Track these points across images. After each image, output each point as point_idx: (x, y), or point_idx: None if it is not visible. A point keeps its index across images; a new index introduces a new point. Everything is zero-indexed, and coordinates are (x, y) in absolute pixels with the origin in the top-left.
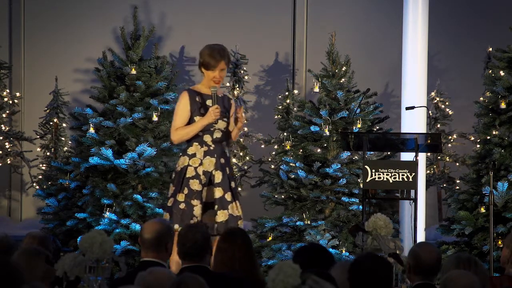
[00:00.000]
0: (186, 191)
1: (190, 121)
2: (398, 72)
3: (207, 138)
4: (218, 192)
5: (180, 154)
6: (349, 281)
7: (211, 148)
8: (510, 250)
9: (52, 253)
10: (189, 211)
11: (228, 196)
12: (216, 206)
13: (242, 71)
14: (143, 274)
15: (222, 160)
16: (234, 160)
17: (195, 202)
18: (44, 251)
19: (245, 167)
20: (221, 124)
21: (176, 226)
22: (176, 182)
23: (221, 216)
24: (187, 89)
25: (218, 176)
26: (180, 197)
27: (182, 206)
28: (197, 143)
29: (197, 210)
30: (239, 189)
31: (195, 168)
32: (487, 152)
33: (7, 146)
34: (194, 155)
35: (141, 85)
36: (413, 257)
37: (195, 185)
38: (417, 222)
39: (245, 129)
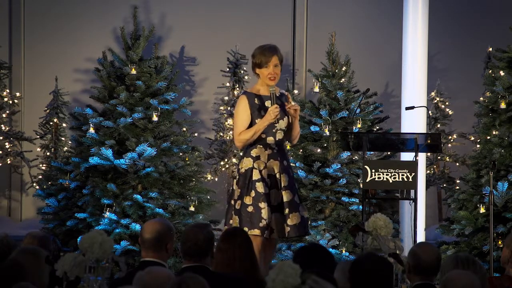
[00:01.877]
0: (253, 193)
1: (252, 124)
2: (398, 72)
3: (271, 140)
4: (287, 195)
5: (242, 155)
6: (349, 281)
7: (275, 150)
8: (510, 250)
9: (52, 253)
10: (257, 214)
11: (297, 199)
12: (287, 210)
13: (242, 71)
14: (141, 273)
15: (285, 163)
16: (234, 160)
17: (262, 204)
18: (43, 251)
19: None
20: (282, 124)
21: (246, 229)
22: (242, 184)
23: (294, 218)
24: (244, 92)
25: (284, 179)
26: (248, 200)
27: (250, 209)
28: (261, 146)
29: (265, 213)
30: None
31: (260, 171)
32: (487, 152)
33: (7, 146)
34: (258, 157)
35: (141, 85)
36: (413, 257)
37: (261, 187)
38: (417, 222)
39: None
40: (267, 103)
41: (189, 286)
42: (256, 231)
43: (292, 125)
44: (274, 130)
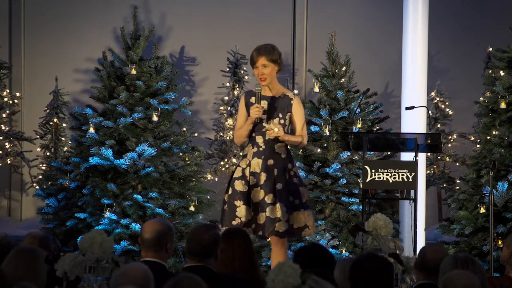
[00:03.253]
0: (230, 191)
1: None
2: (398, 72)
3: (259, 139)
4: (261, 194)
5: None
6: (349, 281)
7: (261, 149)
8: (510, 251)
9: (52, 253)
10: (231, 212)
11: (268, 198)
12: (258, 209)
13: (242, 71)
14: (115, 274)
15: (271, 162)
16: (234, 160)
17: (238, 202)
18: (40, 250)
19: None
20: (273, 125)
21: (220, 226)
22: (227, 183)
23: (261, 218)
24: (246, 91)
25: (262, 178)
26: (226, 197)
27: (225, 207)
28: (250, 144)
29: (241, 211)
30: None
31: (243, 169)
32: (487, 152)
33: (7, 146)
34: (246, 155)
35: (141, 85)
36: (420, 254)
37: (240, 186)
38: (417, 222)
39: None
40: (262, 102)
41: (183, 286)
42: None
43: (294, 127)
44: (263, 130)
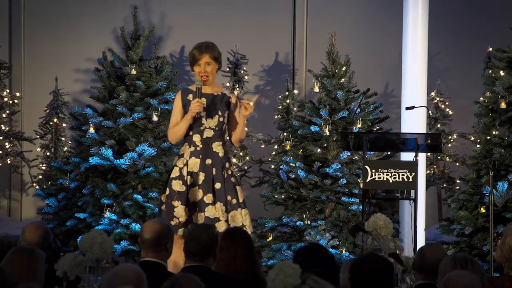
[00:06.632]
0: (167, 192)
1: None
2: (398, 72)
3: (196, 137)
4: (199, 194)
5: None
6: (350, 281)
7: (198, 148)
8: (504, 255)
9: (51, 246)
10: (169, 212)
11: (207, 198)
12: (196, 209)
13: (242, 71)
14: (107, 275)
15: (209, 161)
16: (234, 160)
17: (176, 203)
18: (38, 250)
19: (245, 167)
20: (211, 123)
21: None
22: (165, 183)
23: (199, 218)
24: (182, 89)
25: (201, 178)
26: (163, 198)
27: (163, 207)
28: (187, 143)
29: (179, 211)
30: None
31: (180, 169)
32: (487, 152)
33: (7, 146)
34: (182, 155)
35: (141, 85)
36: (418, 254)
37: (177, 186)
38: (417, 222)
39: (246, 129)
40: (190, 97)
41: (181, 286)
42: None
43: (232, 125)
44: (201, 128)
